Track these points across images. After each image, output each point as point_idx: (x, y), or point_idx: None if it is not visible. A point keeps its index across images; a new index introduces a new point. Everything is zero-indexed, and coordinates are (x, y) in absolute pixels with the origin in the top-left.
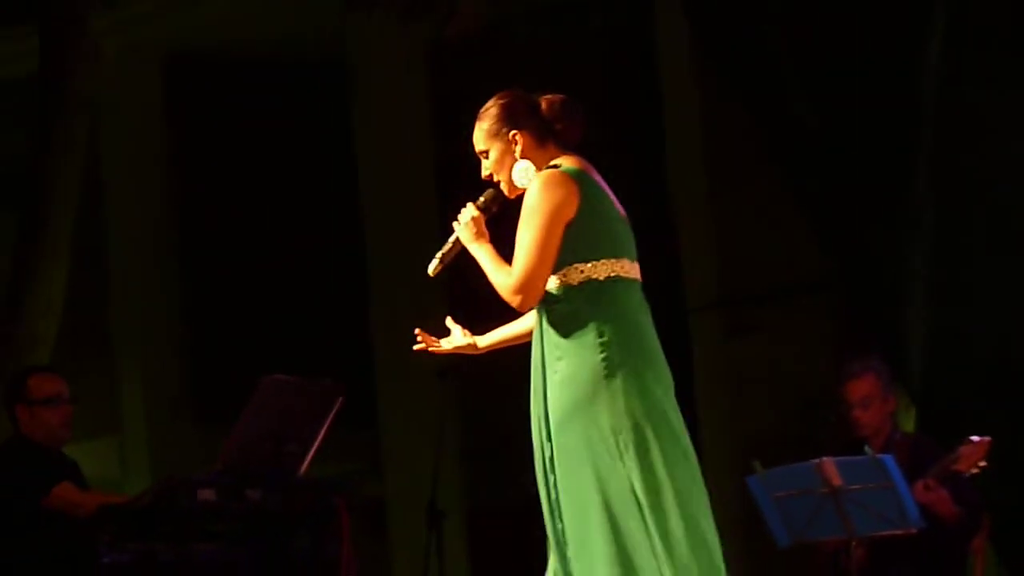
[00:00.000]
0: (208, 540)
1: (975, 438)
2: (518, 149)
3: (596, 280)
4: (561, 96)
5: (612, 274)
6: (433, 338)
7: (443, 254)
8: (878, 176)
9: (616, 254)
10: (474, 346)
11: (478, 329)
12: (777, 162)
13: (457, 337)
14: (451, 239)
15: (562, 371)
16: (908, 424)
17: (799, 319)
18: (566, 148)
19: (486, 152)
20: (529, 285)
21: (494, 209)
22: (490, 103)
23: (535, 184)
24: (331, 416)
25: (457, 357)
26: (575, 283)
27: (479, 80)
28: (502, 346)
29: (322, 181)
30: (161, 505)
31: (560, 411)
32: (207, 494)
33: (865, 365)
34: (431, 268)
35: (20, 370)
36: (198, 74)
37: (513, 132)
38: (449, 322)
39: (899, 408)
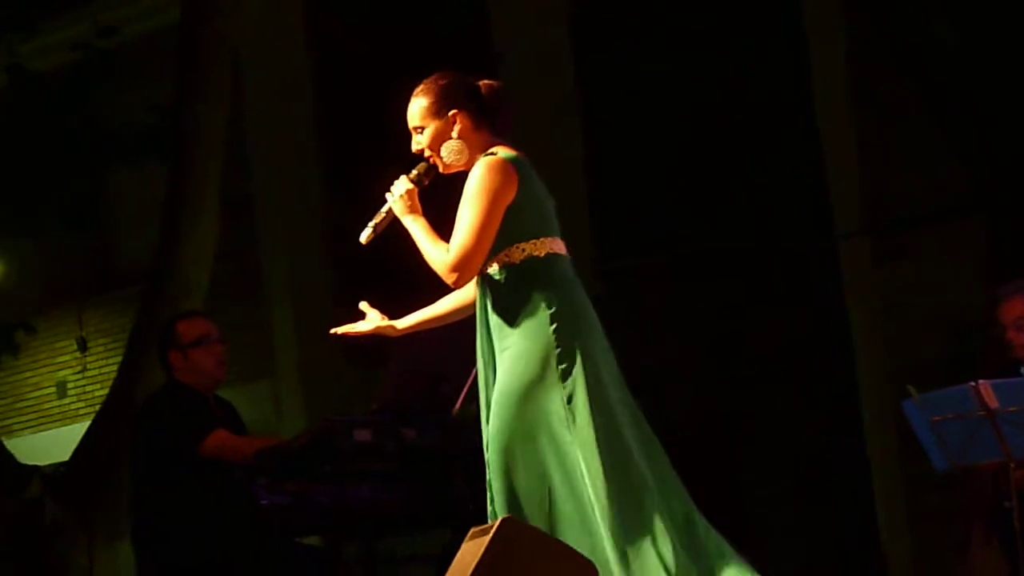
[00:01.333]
0: (365, 480)
1: None
2: (456, 129)
3: (536, 257)
4: (498, 83)
5: (550, 251)
6: (352, 328)
7: (376, 223)
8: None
9: (550, 232)
10: (392, 328)
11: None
12: (921, 83)
13: (374, 319)
14: (384, 209)
15: (513, 347)
16: None
17: (949, 243)
18: (499, 134)
19: (421, 128)
20: (466, 262)
21: (425, 183)
22: (429, 81)
23: (479, 168)
24: None
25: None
26: (517, 261)
27: None
28: (422, 328)
29: None
30: (318, 446)
31: (513, 384)
32: (363, 434)
33: (1018, 286)
34: (364, 236)
35: (168, 318)
36: (338, 12)
37: (453, 112)
38: (364, 306)
39: None
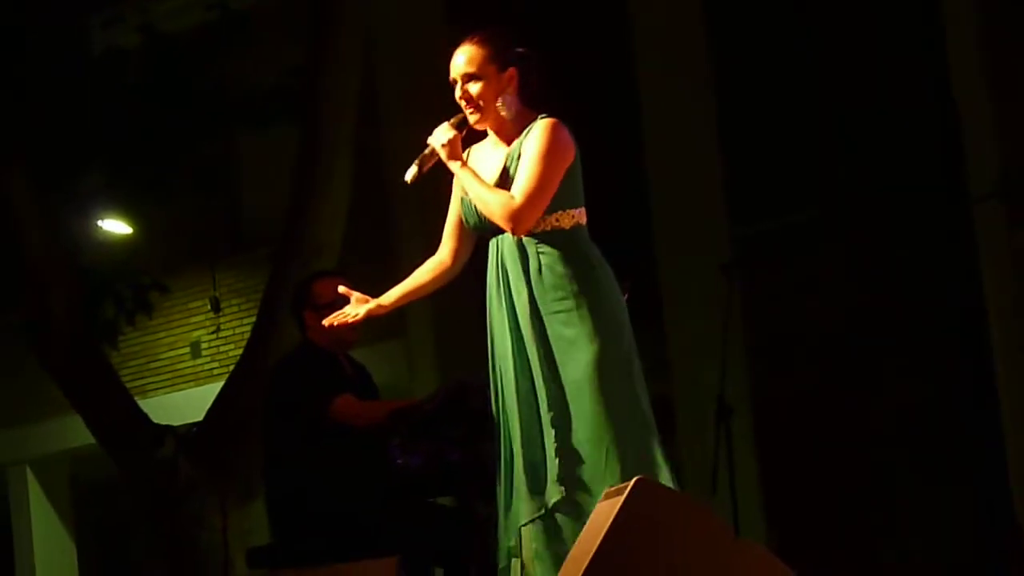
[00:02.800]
0: None
1: None
2: (512, 86)
3: (580, 226)
4: (536, 52)
5: (584, 223)
6: (343, 316)
7: (420, 163)
8: None
9: (584, 205)
10: (380, 306)
11: None
12: None
13: (359, 302)
14: (427, 150)
15: (583, 320)
16: None
17: None
18: (530, 102)
19: (475, 76)
20: (532, 210)
21: (462, 133)
22: (487, 32)
23: (547, 128)
24: None
25: (739, 252)
26: (567, 227)
27: None
28: (406, 300)
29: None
30: (451, 406)
31: (603, 365)
32: None
33: None
34: (408, 176)
35: (305, 276)
36: None
37: (512, 69)
38: (344, 290)
39: None
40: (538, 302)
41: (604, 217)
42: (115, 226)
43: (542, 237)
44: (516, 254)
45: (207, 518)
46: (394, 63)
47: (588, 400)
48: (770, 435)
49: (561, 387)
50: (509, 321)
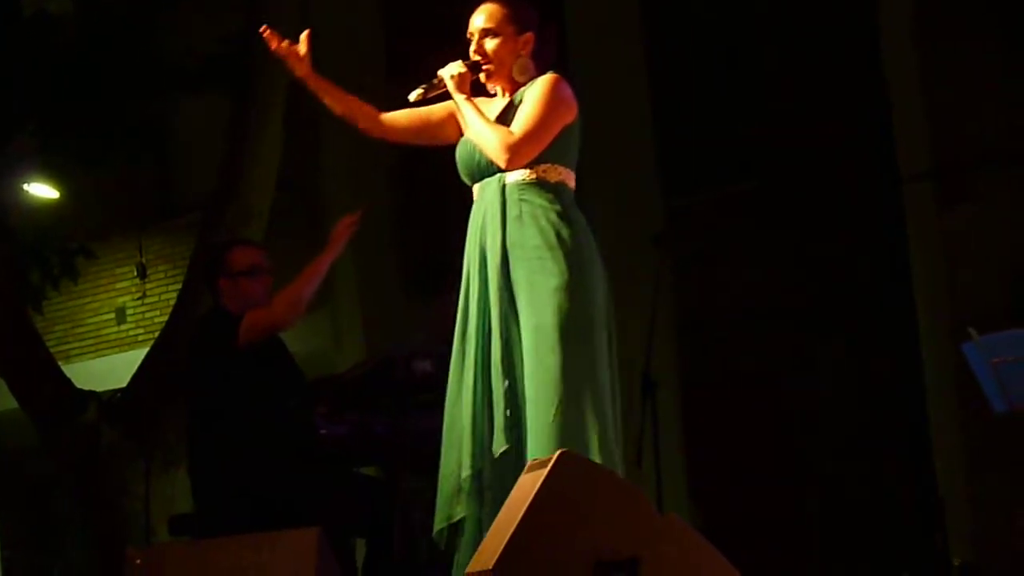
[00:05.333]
0: (423, 411)
1: None
2: (527, 50)
3: (565, 184)
4: (551, 23)
5: (571, 185)
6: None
7: (426, 88)
8: None
9: (574, 170)
10: (303, 64)
11: None
12: (991, 24)
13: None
14: (436, 79)
15: (560, 273)
16: None
17: (1016, 187)
18: (543, 71)
19: (494, 32)
20: (525, 148)
21: (474, 76)
22: None
23: (553, 81)
24: None
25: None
26: (551, 180)
27: None
28: (323, 94)
29: None
30: (377, 377)
31: (574, 320)
32: (423, 365)
33: None
34: (413, 95)
35: (219, 243)
36: None
37: (530, 32)
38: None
39: None
40: (512, 246)
41: None
42: (42, 190)
43: (525, 185)
44: (498, 199)
45: (130, 485)
46: (328, 32)
47: (545, 351)
48: (696, 410)
49: (519, 332)
50: (480, 264)
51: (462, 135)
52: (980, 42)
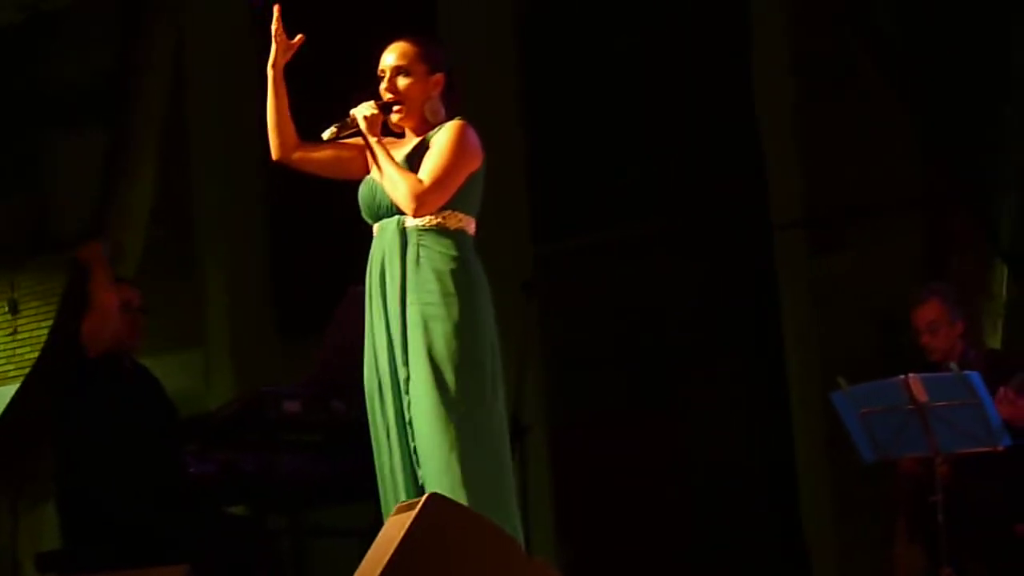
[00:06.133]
0: (292, 451)
1: None
2: (437, 91)
3: (465, 232)
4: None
5: (471, 232)
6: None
7: (339, 127)
8: (964, 94)
9: (476, 218)
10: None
11: None
12: (865, 76)
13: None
14: (348, 118)
15: (451, 316)
16: (995, 341)
17: (886, 237)
18: (452, 115)
19: (405, 70)
20: (432, 198)
21: (385, 116)
22: (423, 36)
23: (460, 128)
24: None
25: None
26: (451, 227)
27: None
28: (275, 93)
29: None
30: (246, 416)
31: (464, 356)
32: (293, 405)
33: (929, 290)
34: (326, 134)
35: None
36: None
37: (441, 74)
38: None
39: (979, 325)
40: (409, 289)
41: None
42: None
43: (425, 230)
44: (397, 241)
45: None
46: (203, 68)
47: (435, 398)
48: (565, 454)
49: (415, 372)
50: (381, 307)
51: (367, 173)
52: (854, 91)
